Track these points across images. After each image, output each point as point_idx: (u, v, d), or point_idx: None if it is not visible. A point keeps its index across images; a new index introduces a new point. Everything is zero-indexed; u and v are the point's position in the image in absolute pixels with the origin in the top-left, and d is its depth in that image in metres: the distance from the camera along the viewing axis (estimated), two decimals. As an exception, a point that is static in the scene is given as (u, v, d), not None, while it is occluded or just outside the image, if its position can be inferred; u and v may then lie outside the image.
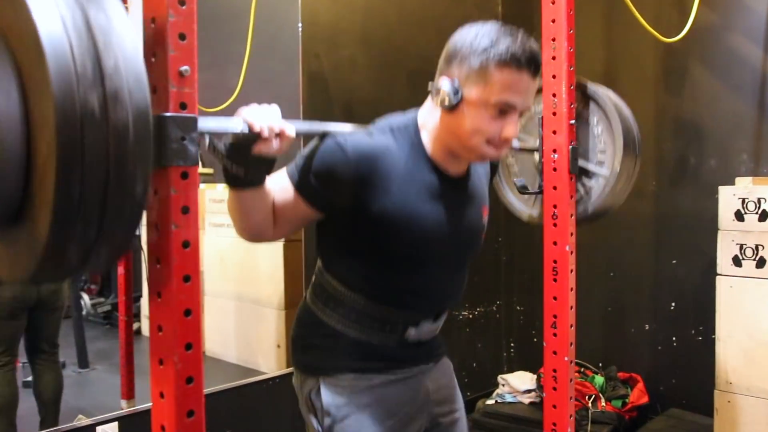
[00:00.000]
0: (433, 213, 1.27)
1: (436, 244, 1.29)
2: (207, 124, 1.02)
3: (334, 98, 2.92)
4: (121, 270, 2.76)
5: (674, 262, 3.04)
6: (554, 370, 1.74)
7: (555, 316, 1.73)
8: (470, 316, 3.56)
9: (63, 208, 0.76)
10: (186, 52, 0.93)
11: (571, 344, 1.74)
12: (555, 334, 1.74)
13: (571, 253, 1.73)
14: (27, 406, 2.39)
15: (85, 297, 3.28)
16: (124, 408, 2.41)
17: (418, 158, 1.26)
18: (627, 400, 2.88)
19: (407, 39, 3.26)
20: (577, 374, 3.14)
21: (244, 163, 1.12)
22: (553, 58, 1.72)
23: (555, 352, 1.74)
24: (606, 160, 1.80)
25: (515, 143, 1.73)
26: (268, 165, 1.15)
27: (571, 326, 1.74)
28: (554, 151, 1.73)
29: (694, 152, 3.00)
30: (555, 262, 1.73)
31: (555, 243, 1.73)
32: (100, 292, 3.40)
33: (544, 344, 1.76)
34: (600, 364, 3.26)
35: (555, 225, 1.73)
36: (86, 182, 0.77)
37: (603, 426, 2.75)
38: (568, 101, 1.71)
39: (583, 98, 1.85)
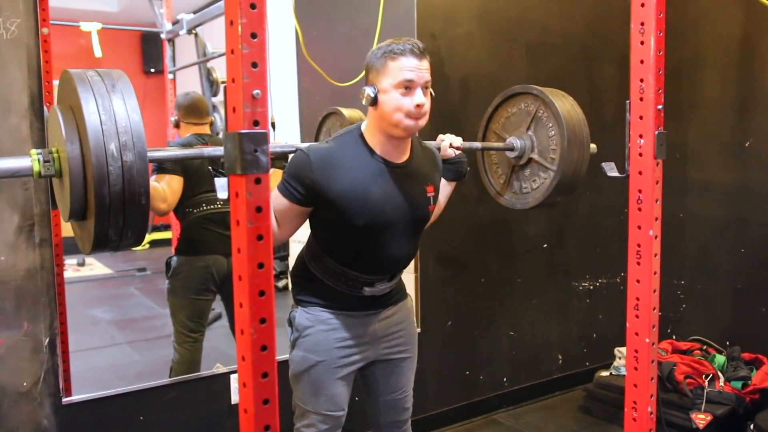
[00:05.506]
0: (378, 191, 1.72)
1: (383, 214, 1.73)
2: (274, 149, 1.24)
3: (450, 76, 3.01)
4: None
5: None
6: (636, 351, 1.78)
7: (638, 299, 1.76)
8: (591, 287, 3.55)
9: (100, 211, 1.24)
10: (258, 78, 1.12)
11: (654, 327, 1.76)
12: (637, 316, 1.77)
13: (656, 237, 1.74)
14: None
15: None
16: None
17: (363, 153, 1.73)
18: (749, 382, 2.77)
19: (526, 11, 3.24)
20: (698, 351, 3.07)
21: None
22: (642, 42, 1.71)
23: (637, 334, 1.77)
24: (556, 157, 2.11)
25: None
26: None
27: (654, 309, 1.76)
28: (640, 136, 1.73)
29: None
30: (639, 246, 1.75)
31: (639, 227, 1.75)
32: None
33: (627, 324, 1.80)
34: (727, 343, 3.15)
35: (640, 210, 1.74)
36: (112, 194, 1.23)
37: (719, 406, 2.70)
38: (656, 87, 1.70)
39: (543, 104, 2.13)
